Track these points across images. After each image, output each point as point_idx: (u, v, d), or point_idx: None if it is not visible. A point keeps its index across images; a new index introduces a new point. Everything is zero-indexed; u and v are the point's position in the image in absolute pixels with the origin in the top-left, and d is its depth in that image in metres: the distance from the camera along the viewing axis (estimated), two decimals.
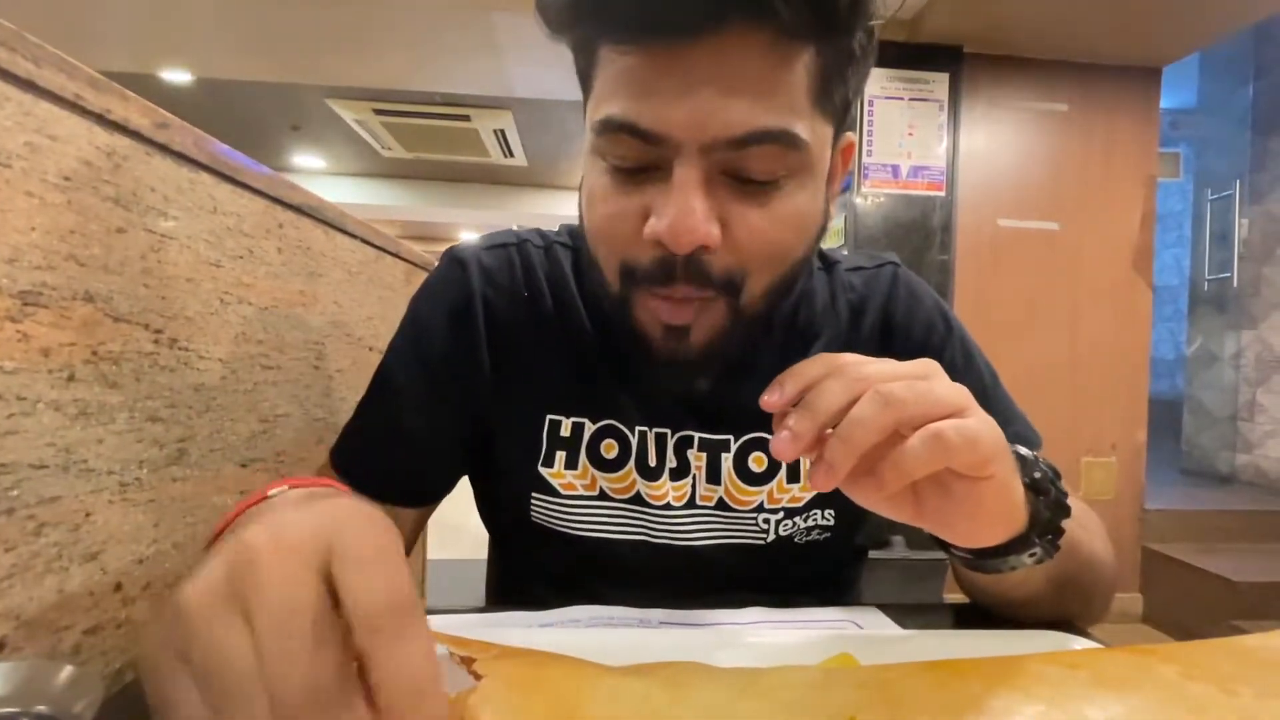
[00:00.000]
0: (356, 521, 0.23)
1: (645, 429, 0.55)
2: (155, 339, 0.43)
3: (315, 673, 0.20)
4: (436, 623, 0.41)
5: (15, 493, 0.33)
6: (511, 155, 5.19)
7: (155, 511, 0.43)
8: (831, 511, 0.56)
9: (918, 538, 2.15)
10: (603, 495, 0.55)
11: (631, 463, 0.54)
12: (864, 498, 0.35)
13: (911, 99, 2.32)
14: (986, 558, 0.40)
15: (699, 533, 0.55)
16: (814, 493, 0.55)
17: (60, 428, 0.36)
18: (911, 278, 0.61)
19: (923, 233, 2.33)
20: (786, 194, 0.42)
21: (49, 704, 0.25)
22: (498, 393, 0.55)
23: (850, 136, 0.50)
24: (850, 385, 0.33)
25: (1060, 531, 0.40)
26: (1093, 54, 2.38)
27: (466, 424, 0.55)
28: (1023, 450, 0.40)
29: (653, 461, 0.54)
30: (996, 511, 0.36)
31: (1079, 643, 0.42)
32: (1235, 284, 3.02)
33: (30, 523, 0.34)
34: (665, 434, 0.55)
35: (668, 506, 0.54)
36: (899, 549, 2.16)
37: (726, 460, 0.55)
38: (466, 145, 4.96)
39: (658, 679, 0.33)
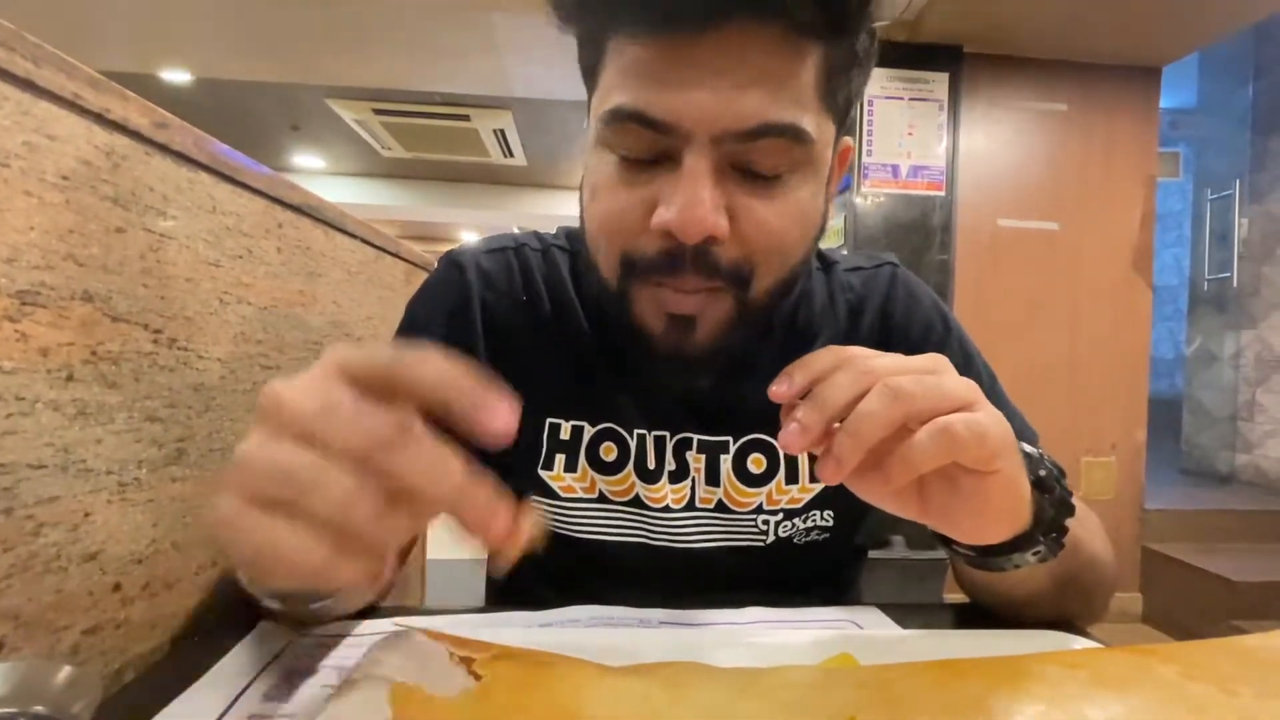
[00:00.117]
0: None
1: (644, 432, 0.55)
2: (154, 339, 0.43)
3: (369, 424, 0.24)
4: (436, 623, 0.41)
5: (14, 493, 0.33)
6: (511, 155, 5.18)
7: (154, 511, 0.43)
8: (830, 512, 0.56)
9: (918, 537, 2.15)
10: (602, 498, 0.55)
11: (630, 465, 0.54)
12: (870, 492, 0.35)
13: (911, 99, 2.32)
14: (990, 555, 0.40)
15: (698, 535, 0.55)
16: (813, 494, 0.55)
17: (59, 428, 0.36)
18: (910, 278, 0.62)
19: (922, 233, 2.33)
20: (792, 189, 0.43)
21: (47, 704, 0.25)
22: None
23: (848, 140, 0.51)
24: (859, 378, 0.33)
25: (1064, 530, 0.40)
26: (1092, 54, 2.38)
27: None
28: (1028, 447, 0.40)
29: (652, 464, 0.54)
30: (1003, 507, 0.36)
31: (1079, 643, 0.42)
32: (1235, 284, 3.02)
33: (29, 523, 0.34)
34: (664, 436, 0.55)
35: (667, 509, 0.54)
36: (899, 549, 2.16)
37: (725, 462, 0.55)
38: (466, 145, 4.96)
39: (658, 679, 0.33)
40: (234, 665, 0.38)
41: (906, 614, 0.47)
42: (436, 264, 0.61)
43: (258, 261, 0.55)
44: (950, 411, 0.32)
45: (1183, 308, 4.07)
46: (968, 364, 0.58)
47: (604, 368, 0.55)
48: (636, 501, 0.54)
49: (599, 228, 0.45)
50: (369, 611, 0.46)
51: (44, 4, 2.53)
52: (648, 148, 0.41)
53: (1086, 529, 0.47)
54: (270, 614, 0.44)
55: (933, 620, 0.47)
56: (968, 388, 0.34)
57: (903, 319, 0.59)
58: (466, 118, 4.36)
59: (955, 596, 0.55)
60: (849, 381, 0.33)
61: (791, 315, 0.58)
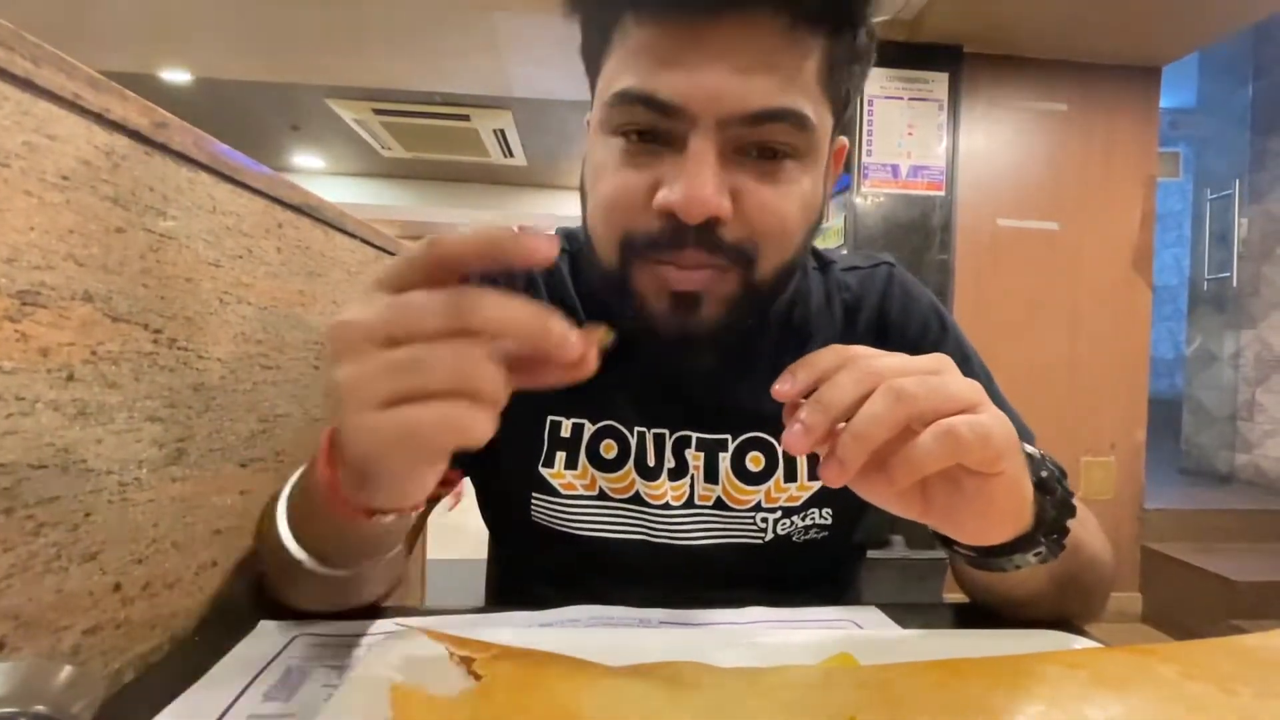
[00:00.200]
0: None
1: (644, 429, 0.55)
2: (154, 339, 0.43)
3: (435, 301, 0.27)
4: (436, 623, 0.41)
5: (14, 493, 0.33)
6: (511, 155, 5.18)
7: (154, 511, 0.43)
8: (829, 510, 0.56)
9: (917, 537, 2.15)
10: (602, 495, 0.55)
11: (631, 463, 0.55)
12: (873, 493, 0.35)
13: (911, 99, 2.32)
14: (991, 556, 0.40)
15: (698, 532, 0.55)
16: (811, 491, 0.56)
17: (59, 428, 0.36)
18: (907, 278, 0.62)
19: (922, 232, 2.33)
20: (794, 175, 0.44)
21: (47, 704, 0.25)
22: None
23: (843, 140, 0.51)
24: (863, 379, 0.32)
25: (1065, 531, 0.40)
26: (1092, 54, 2.38)
27: None
28: (1030, 448, 0.40)
29: (651, 461, 0.55)
30: (1006, 509, 0.36)
31: (1079, 642, 0.42)
32: (1235, 283, 3.02)
33: (29, 523, 0.34)
34: (663, 434, 0.55)
35: (666, 506, 0.55)
36: (899, 548, 2.16)
37: (724, 460, 0.55)
38: (466, 145, 4.96)
39: (658, 679, 0.33)
40: (234, 665, 0.38)
41: (906, 614, 0.47)
42: None
43: (258, 261, 0.55)
44: (954, 413, 0.32)
45: (1183, 307, 4.07)
46: (964, 364, 0.58)
47: (604, 365, 0.55)
48: (636, 499, 0.55)
49: (600, 208, 0.45)
50: (369, 611, 0.46)
51: (44, 4, 2.53)
52: (654, 130, 0.42)
53: (1086, 529, 0.47)
54: (277, 612, 0.44)
55: (933, 620, 0.47)
56: (971, 388, 0.33)
57: (899, 318, 0.59)
58: (466, 118, 4.36)
59: (955, 596, 0.55)
60: (852, 382, 0.32)
61: (788, 314, 0.58)
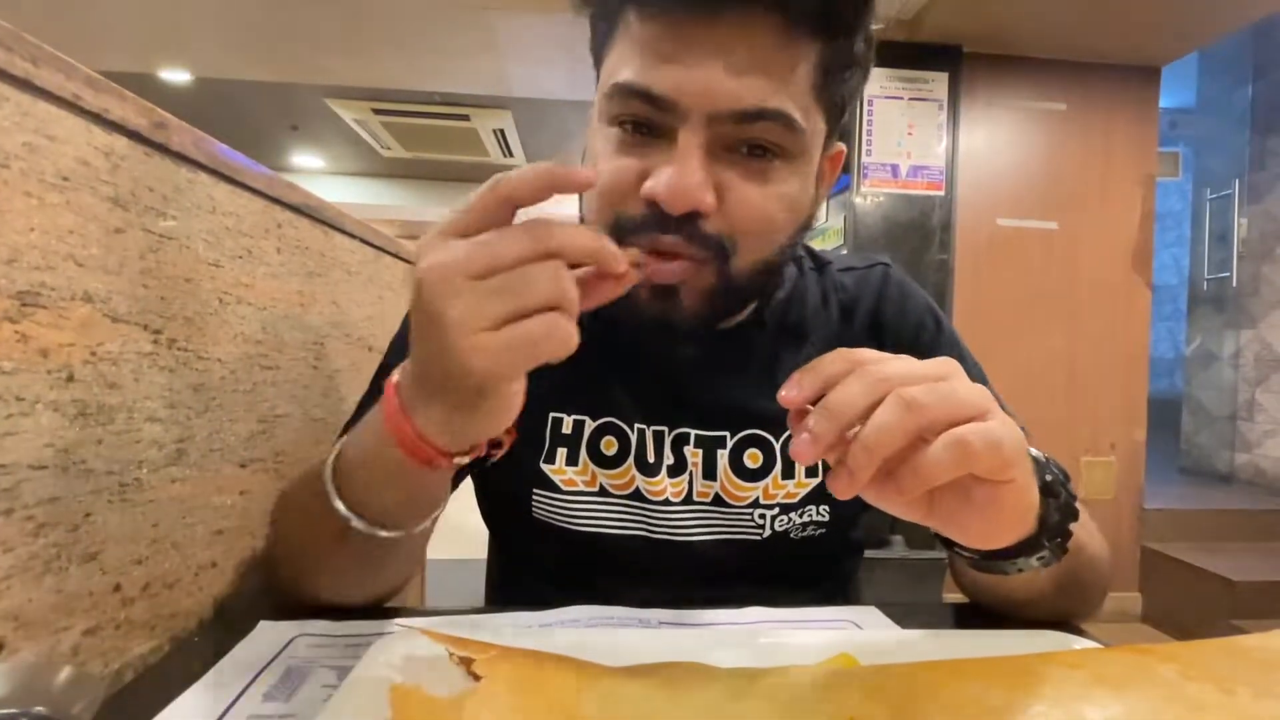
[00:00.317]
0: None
1: (644, 426, 0.55)
2: (154, 339, 0.43)
3: (511, 232, 0.31)
4: (436, 623, 0.41)
5: (14, 493, 0.33)
6: (511, 155, 5.18)
7: (154, 512, 0.43)
8: (826, 507, 0.57)
9: (917, 537, 2.15)
10: (603, 491, 0.55)
11: (631, 459, 0.55)
12: (880, 501, 0.34)
13: (911, 98, 2.32)
14: (994, 559, 0.40)
15: (696, 528, 0.56)
16: (809, 489, 0.56)
17: (59, 428, 0.36)
18: (902, 278, 0.63)
19: (922, 232, 2.33)
20: (781, 176, 0.45)
21: (48, 704, 0.25)
22: None
23: (840, 146, 0.52)
24: (872, 386, 0.32)
25: (1068, 535, 0.40)
26: (1092, 53, 2.38)
27: None
28: (1035, 452, 0.39)
29: (651, 458, 0.55)
30: (1012, 516, 0.36)
31: (1079, 642, 0.42)
32: (1234, 283, 3.02)
33: (29, 523, 0.34)
34: (662, 431, 0.56)
35: (666, 502, 0.55)
36: (899, 548, 2.16)
37: (722, 457, 0.56)
38: (466, 145, 4.96)
39: (657, 679, 0.33)
40: (234, 665, 0.38)
41: (906, 614, 0.47)
42: None
43: (257, 262, 0.55)
44: (964, 421, 0.32)
45: (1182, 307, 4.07)
46: (960, 363, 0.59)
47: (604, 364, 0.55)
48: (636, 495, 0.55)
49: (593, 193, 0.46)
50: (369, 611, 0.46)
51: (43, 4, 2.52)
52: (647, 122, 0.43)
53: (1085, 529, 0.47)
54: (277, 612, 0.44)
55: (933, 620, 0.47)
56: (980, 395, 0.33)
57: (894, 318, 0.60)
58: (466, 117, 4.36)
59: (955, 596, 0.55)
60: (861, 389, 0.32)
61: (784, 313, 0.59)
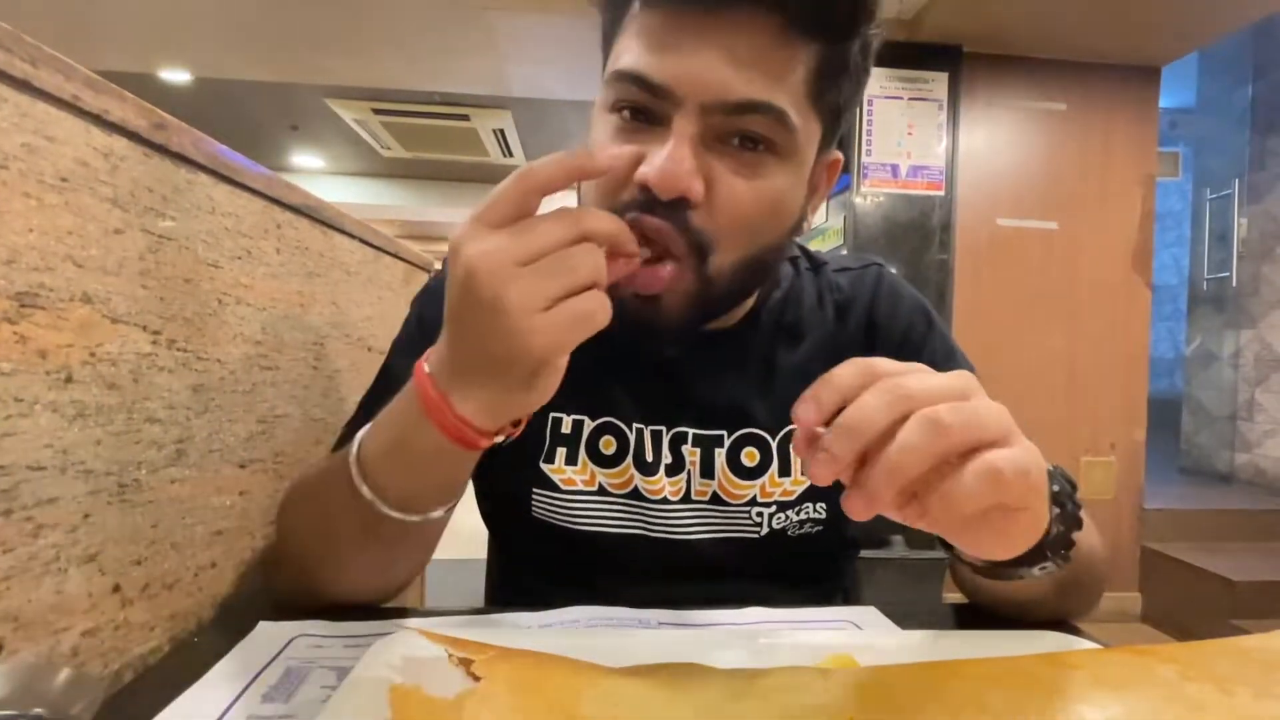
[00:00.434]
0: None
1: (642, 426, 0.56)
2: (153, 340, 0.43)
3: (550, 219, 0.35)
4: (436, 623, 0.41)
5: (13, 494, 0.33)
6: (511, 155, 5.18)
7: (154, 513, 0.43)
8: (823, 504, 0.57)
9: (918, 538, 2.15)
10: (602, 490, 0.56)
11: (629, 458, 0.56)
12: (900, 518, 0.33)
13: (911, 98, 2.32)
14: (998, 567, 0.39)
15: (695, 526, 0.56)
16: (805, 486, 0.56)
17: (58, 429, 0.36)
18: (894, 278, 0.64)
19: (922, 232, 2.33)
20: (771, 173, 0.45)
21: (47, 706, 0.25)
22: None
23: (837, 154, 0.53)
24: (893, 403, 0.30)
25: (1072, 544, 0.39)
26: (1091, 53, 2.38)
27: None
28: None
29: (649, 457, 0.56)
30: (1023, 538, 0.35)
31: (1079, 643, 0.42)
32: (1234, 283, 3.02)
33: (28, 524, 0.34)
34: (660, 431, 0.56)
35: (664, 501, 0.55)
36: (899, 548, 2.16)
37: (720, 455, 0.56)
38: (466, 145, 4.96)
39: (657, 679, 0.33)
40: (234, 665, 0.38)
41: (906, 614, 0.47)
42: (442, 266, 0.61)
43: (256, 262, 0.55)
44: (989, 444, 0.30)
45: (1182, 307, 4.07)
46: (950, 359, 0.60)
47: (603, 364, 0.55)
48: (635, 494, 0.56)
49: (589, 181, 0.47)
50: (368, 612, 0.46)
51: (43, 4, 2.52)
52: (645, 110, 0.44)
53: (1086, 531, 0.47)
54: (276, 613, 0.44)
55: (933, 620, 0.47)
56: (1001, 416, 0.32)
57: (886, 317, 0.61)
58: (466, 117, 4.36)
59: (955, 597, 0.55)
60: (882, 405, 0.30)
61: (781, 313, 0.60)
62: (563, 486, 0.56)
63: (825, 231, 2.53)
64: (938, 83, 2.32)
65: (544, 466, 0.56)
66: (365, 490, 0.40)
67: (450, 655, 0.33)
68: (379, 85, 3.63)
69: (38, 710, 0.25)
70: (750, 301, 0.57)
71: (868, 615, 0.48)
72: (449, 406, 0.36)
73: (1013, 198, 2.41)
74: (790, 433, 0.57)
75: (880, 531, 2.16)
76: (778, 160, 0.45)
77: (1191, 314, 3.38)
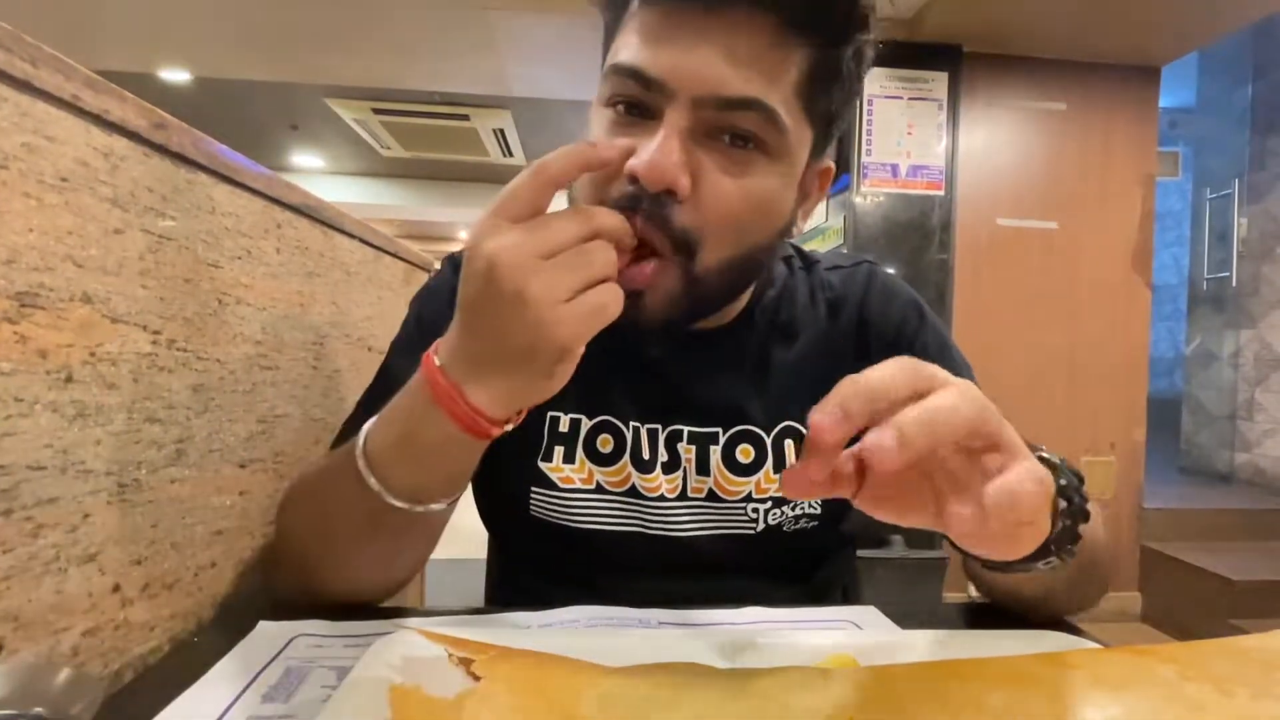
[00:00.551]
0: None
1: (638, 424, 0.56)
2: (153, 340, 0.43)
3: (564, 216, 0.36)
4: (436, 623, 0.41)
5: (13, 494, 0.33)
6: (511, 155, 5.18)
7: (154, 512, 0.43)
8: (817, 500, 0.57)
9: (917, 538, 2.15)
10: (599, 488, 0.56)
11: (626, 456, 0.56)
12: (910, 521, 0.34)
13: (911, 98, 2.32)
14: (1005, 562, 0.39)
15: (692, 523, 0.56)
16: None
17: (58, 429, 0.36)
18: (886, 275, 0.64)
19: (922, 232, 2.33)
20: (760, 172, 0.45)
21: (47, 706, 0.25)
22: None
23: (829, 163, 0.53)
24: (915, 377, 0.30)
25: (1078, 538, 0.39)
26: (1091, 53, 2.38)
27: None
28: (1047, 454, 0.39)
29: (646, 455, 0.56)
30: (1031, 542, 0.34)
31: (1079, 643, 0.42)
32: (1234, 283, 3.02)
33: (28, 524, 0.34)
34: (656, 429, 0.57)
35: (661, 498, 0.56)
36: (898, 548, 2.16)
37: (715, 453, 0.56)
38: (466, 144, 4.96)
39: (657, 679, 0.33)
40: (234, 665, 0.38)
41: (906, 614, 0.47)
42: (440, 266, 0.62)
43: (256, 262, 0.55)
44: (1005, 448, 0.30)
45: (1182, 307, 4.07)
46: (943, 353, 0.60)
47: (600, 363, 0.55)
48: (633, 491, 0.56)
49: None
50: (368, 611, 0.46)
51: (43, 4, 2.52)
52: (639, 104, 0.45)
53: (1093, 525, 0.46)
54: (276, 613, 0.44)
55: (933, 620, 0.47)
56: (1010, 429, 0.31)
57: (878, 314, 0.61)
58: (466, 117, 4.36)
59: (955, 596, 0.55)
60: (905, 377, 0.30)
61: (775, 312, 0.60)
62: (561, 485, 0.56)
63: (825, 231, 2.53)
64: (938, 82, 2.32)
65: (542, 465, 0.56)
66: (373, 482, 0.41)
67: (450, 655, 0.34)
68: (379, 85, 3.63)
69: (38, 710, 0.25)
70: (744, 300, 0.58)
71: (868, 615, 0.48)
72: (462, 396, 0.37)
73: (1013, 197, 2.41)
74: (784, 429, 0.57)
75: (880, 531, 2.16)
76: (768, 160, 0.45)
77: (1191, 314, 3.38)
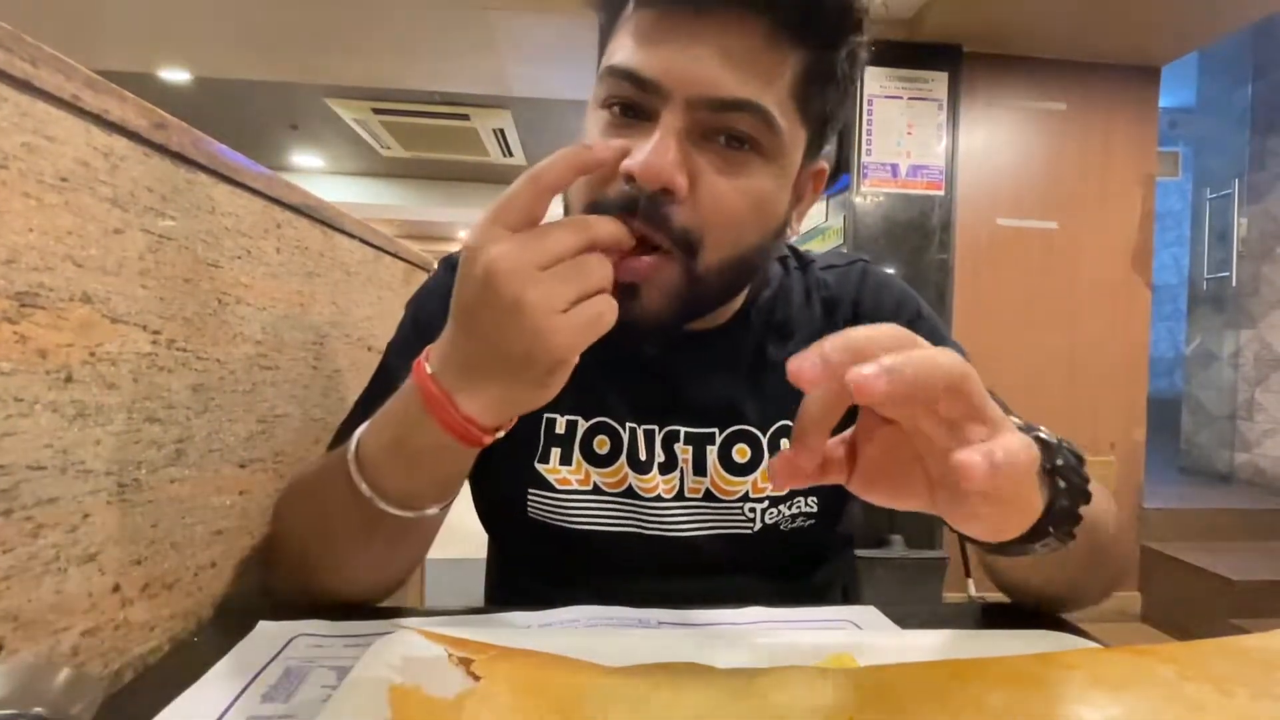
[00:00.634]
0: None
1: (635, 425, 0.56)
2: (153, 340, 0.43)
3: (559, 227, 0.36)
4: (436, 623, 0.41)
5: (13, 494, 0.33)
6: (511, 155, 5.18)
7: (153, 512, 0.43)
8: (814, 499, 0.57)
9: (917, 537, 2.15)
10: (596, 490, 0.56)
11: (623, 457, 0.56)
12: (886, 497, 0.35)
13: (910, 98, 2.32)
14: (1003, 544, 0.39)
15: (689, 523, 0.56)
16: None
17: (58, 429, 0.36)
18: (881, 273, 0.64)
19: (922, 232, 2.33)
20: (755, 173, 0.45)
21: (47, 706, 0.25)
22: None
23: (824, 164, 0.53)
24: (903, 341, 0.31)
25: (1078, 519, 0.39)
26: (1091, 53, 2.38)
27: None
28: (1045, 434, 0.38)
29: (643, 456, 0.56)
30: (1019, 521, 0.35)
31: (1078, 643, 0.42)
32: (1234, 283, 3.02)
33: (28, 524, 0.34)
34: (653, 430, 0.57)
35: (658, 499, 0.56)
36: (898, 548, 2.16)
37: (711, 453, 0.57)
38: (466, 144, 4.96)
39: (656, 680, 0.33)
40: (233, 666, 0.38)
41: (906, 614, 0.47)
42: (437, 267, 0.62)
43: (256, 262, 0.55)
44: (989, 418, 0.30)
45: (1182, 307, 4.07)
46: (940, 344, 0.59)
47: (596, 365, 0.55)
48: (629, 492, 0.56)
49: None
50: (367, 611, 0.46)
51: (43, 4, 2.52)
52: (634, 105, 0.45)
53: (1100, 509, 0.46)
54: (276, 613, 0.44)
55: (932, 620, 0.47)
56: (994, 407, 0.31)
57: (872, 310, 0.61)
58: (466, 117, 4.36)
59: (955, 596, 0.55)
60: (888, 333, 0.31)
61: (770, 311, 0.60)
62: (558, 486, 0.56)
63: (825, 231, 2.53)
64: (937, 82, 2.32)
65: (539, 467, 0.56)
66: (364, 487, 0.41)
67: (450, 655, 0.34)
68: (379, 85, 3.64)
69: (38, 710, 0.25)
70: (739, 301, 0.58)
71: (868, 615, 0.48)
72: (453, 404, 0.37)
73: (1013, 197, 2.41)
74: (780, 429, 0.57)
75: (880, 531, 2.16)
76: (763, 161, 0.45)
77: (1191, 314, 3.39)
